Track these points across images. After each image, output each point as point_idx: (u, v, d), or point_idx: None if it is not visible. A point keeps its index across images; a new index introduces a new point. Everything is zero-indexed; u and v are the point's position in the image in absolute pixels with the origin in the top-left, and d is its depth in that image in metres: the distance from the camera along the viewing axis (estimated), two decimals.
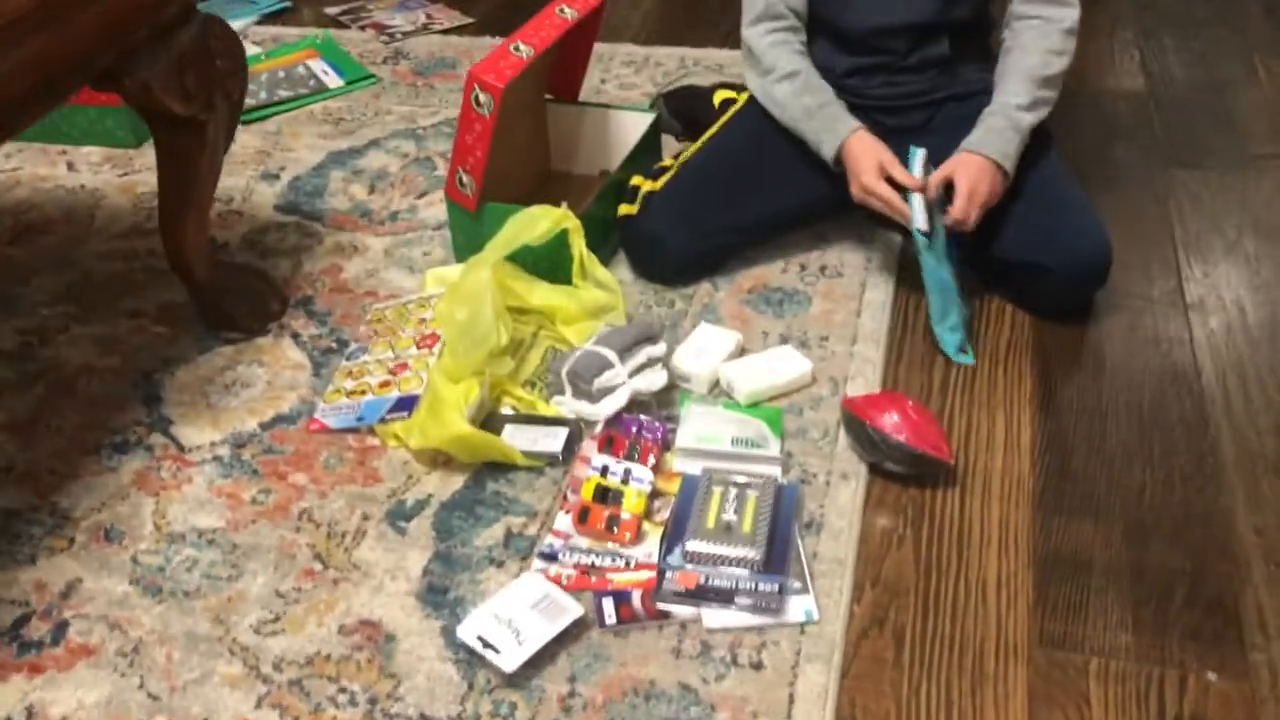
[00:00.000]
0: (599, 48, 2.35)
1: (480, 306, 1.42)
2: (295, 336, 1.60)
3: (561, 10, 1.67)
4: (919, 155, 1.56)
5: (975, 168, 1.52)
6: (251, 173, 1.99)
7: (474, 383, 1.39)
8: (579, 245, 1.55)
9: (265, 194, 1.93)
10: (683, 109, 1.99)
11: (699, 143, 1.70)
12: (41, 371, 1.55)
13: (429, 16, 2.54)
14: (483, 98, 1.51)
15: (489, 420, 1.40)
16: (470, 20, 2.53)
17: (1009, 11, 1.61)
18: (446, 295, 1.48)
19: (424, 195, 1.91)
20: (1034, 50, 1.57)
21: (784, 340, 1.54)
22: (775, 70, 1.64)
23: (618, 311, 1.53)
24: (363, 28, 2.50)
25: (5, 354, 1.59)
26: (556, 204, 1.53)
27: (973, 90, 1.65)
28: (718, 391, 1.46)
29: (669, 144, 1.98)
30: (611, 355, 1.38)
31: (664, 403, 1.44)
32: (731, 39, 2.37)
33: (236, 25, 2.50)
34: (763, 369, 1.45)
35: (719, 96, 1.94)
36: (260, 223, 1.86)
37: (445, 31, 2.48)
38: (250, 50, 2.36)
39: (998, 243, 1.57)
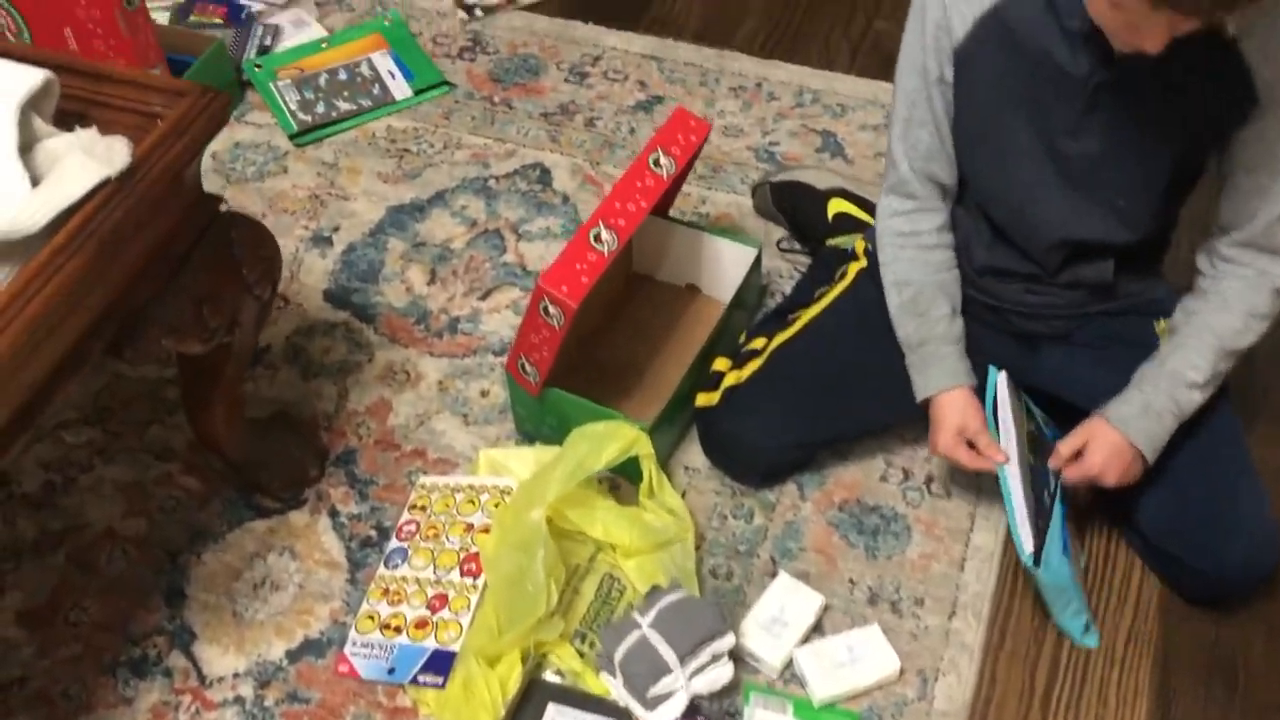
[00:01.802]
0: (703, 54, 2.05)
1: (530, 562, 1.26)
2: (333, 514, 1.45)
3: (656, 162, 1.40)
4: (1000, 382, 1.33)
5: (1113, 449, 1.28)
6: (302, 230, 1.78)
7: (515, 661, 1.25)
8: (649, 468, 1.36)
9: (315, 269, 1.73)
10: (790, 206, 1.72)
11: (793, 328, 1.44)
12: (63, 532, 1.44)
13: None
14: (552, 310, 1.28)
15: (530, 690, 1.27)
16: (557, 18, 2.19)
17: (1212, 247, 1.29)
18: (495, 533, 1.32)
19: (488, 295, 1.70)
20: (1236, 309, 1.27)
21: (873, 596, 1.37)
22: (889, 268, 1.38)
23: (686, 543, 1.36)
24: None
25: (28, 499, 1.47)
26: (639, 320, 1.33)
27: (1133, 305, 1.37)
28: (789, 674, 1.31)
29: (769, 231, 1.72)
30: (671, 658, 1.22)
31: (726, 688, 1.29)
32: (864, 63, 2.03)
33: None
34: (843, 662, 1.28)
35: (834, 207, 1.66)
36: (308, 318, 1.67)
37: (533, 8, 2.16)
38: (312, 34, 2.08)
39: (1137, 514, 1.35)
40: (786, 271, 1.71)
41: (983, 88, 1.26)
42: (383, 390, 1.59)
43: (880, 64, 2.04)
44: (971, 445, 1.33)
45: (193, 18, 2.09)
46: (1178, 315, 1.32)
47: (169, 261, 1.12)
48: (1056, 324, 1.40)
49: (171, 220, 1.10)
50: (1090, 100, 1.21)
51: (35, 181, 0.99)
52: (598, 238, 1.32)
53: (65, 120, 1.09)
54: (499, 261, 1.74)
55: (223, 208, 1.21)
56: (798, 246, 1.72)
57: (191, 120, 1.06)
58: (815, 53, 2.07)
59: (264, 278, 1.22)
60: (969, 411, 1.33)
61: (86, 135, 1.02)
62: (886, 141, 1.38)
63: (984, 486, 1.46)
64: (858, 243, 1.48)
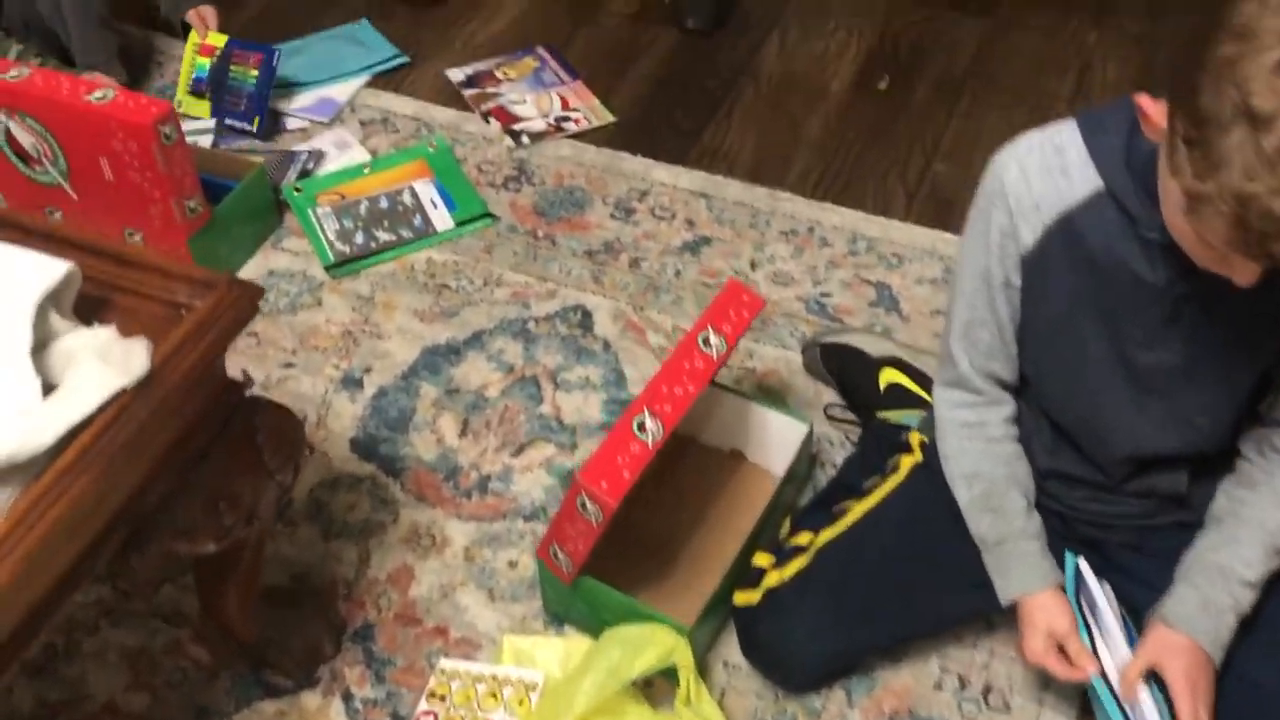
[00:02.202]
0: (753, 193, 1.98)
1: None
2: (348, 698, 1.36)
3: (705, 341, 1.33)
4: (1084, 570, 1.24)
5: (1188, 656, 1.17)
6: (333, 370, 1.72)
7: None
8: (687, 677, 1.27)
9: (344, 415, 1.66)
10: (840, 371, 1.64)
11: (841, 524, 1.35)
12: (62, 704, 1.36)
13: (564, 104, 2.16)
14: (590, 506, 1.20)
15: None
16: (611, 119, 2.14)
17: (1265, 437, 1.19)
18: None
19: (521, 451, 1.62)
20: None
21: None
22: (955, 460, 1.29)
23: None
24: (487, 116, 2.14)
25: (27, 665, 1.40)
26: (681, 486, 1.29)
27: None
28: None
29: (817, 392, 1.64)
30: None
31: None
32: (921, 209, 1.96)
33: (344, 87, 2.18)
34: None
35: (887, 377, 1.58)
36: (332, 469, 1.60)
37: (580, 135, 2.11)
38: (355, 157, 2.03)
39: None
40: (836, 439, 1.62)
41: (1052, 294, 1.18)
42: (406, 555, 1.51)
43: (938, 210, 1.97)
44: (1062, 650, 1.23)
45: (232, 68, 2.06)
46: (1221, 500, 1.22)
47: (185, 459, 1.05)
48: (1126, 533, 1.31)
49: (191, 418, 1.03)
50: (1170, 312, 1.13)
51: (48, 387, 0.93)
52: (641, 426, 1.24)
53: (86, 305, 1.03)
54: (535, 413, 1.67)
55: (249, 392, 1.15)
56: (848, 414, 1.63)
57: (218, 317, 0.99)
58: (870, 196, 2.00)
59: (287, 463, 1.15)
60: (1058, 614, 1.23)
61: (105, 335, 0.95)
62: (943, 335, 1.29)
63: (1047, 700, 1.36)
64: (912, 435, 1.39)
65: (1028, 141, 1.16)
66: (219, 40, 2.07)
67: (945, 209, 1.97)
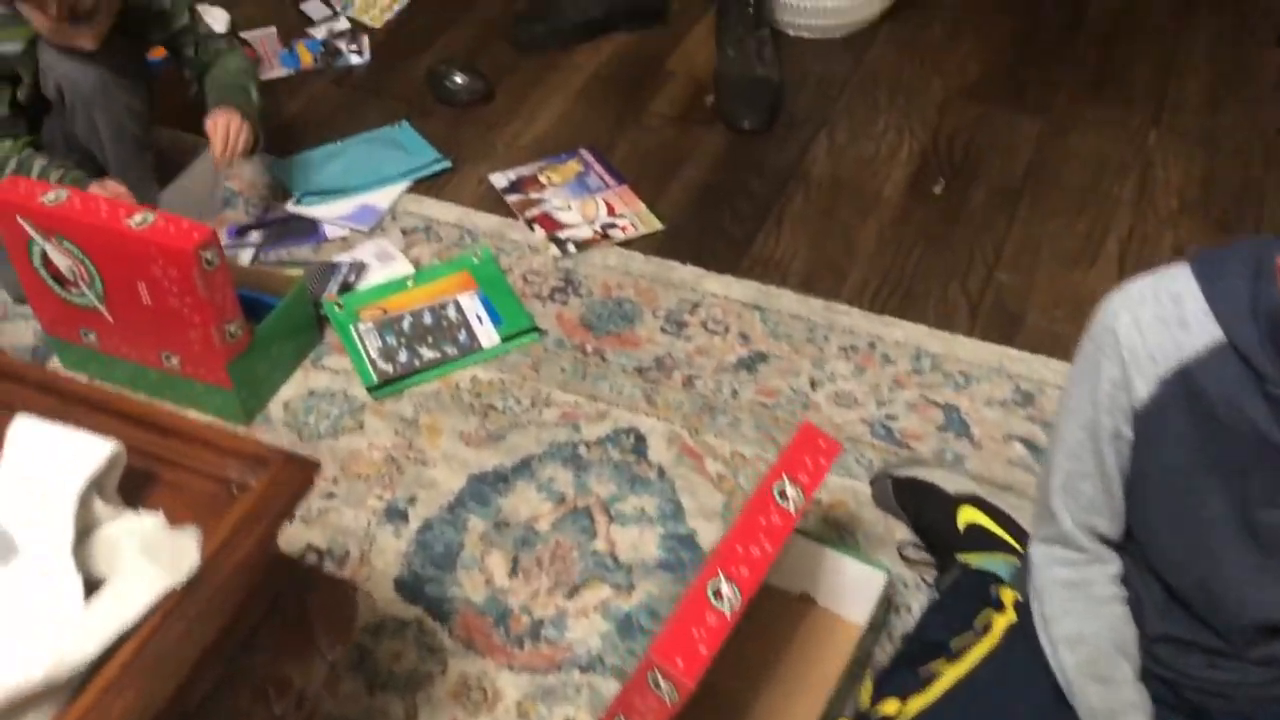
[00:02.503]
0: (809, 305, 1.90)
1: None
2: None
3: (781, 494, 1.24)
4: None
5: None
6: (376, 501, 1.64)
7: None
8: None
9: (388, 551, 1.58)
10: (914, 507, 1.55)
11: (932, 692, 1.23)
12: None
13: (610, 210, 2.10)
14: (664, 684, 1.11)
15: None
16: (658, 225, 2.08)
17: None
18: None
19: (575, 593, 1.53)
20: None
21: None
22: (1057, 623, 1.19)
23: None
24: (531, 223, 2.08)
25: None
26: (748, 631, 1.16)
27: None
28: None
29: (889, 527, 1.55)
30: None
31: None
32: (986, 322, 1.88)
33: (385, 193, 2.12)
34: None
35: (965, 517, 1.49)
36: (377, 612, 1.51)
37: (627, 243, 2.05)
38: (397, 269, 1.97)
39: None
40: (911, 580, 1.53)
41: (1168, 449, 1.09)
42: (455, 711, 1.41)
43: (1004, 324, 1.89)
44: None
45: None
46: None
47: (232, 645, 0.97)
48: (1240, 702, 1.20)
49: (240, 602, 0.95)
50: None
51: (90, 581, 0.85)
52: (717, 593, 1.15)
53: (131, 479, 0.96)
54: (588, 549, 1.58)
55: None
56: (924, 554, 1.54)
57: (273, 499, 0.92)
58: (931, 308, 1.92)
59: (339, 642, 1.07)
60: None
61: (151, 526, 0.88)
62: (1040, 488, 1.20)
63: None
64: (1004, 591, 1.30)
65: (1140, 289, 1.08)
66: None
67: (1011, 323, 1.89)
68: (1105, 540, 1.18)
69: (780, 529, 1.22)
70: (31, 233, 1.62)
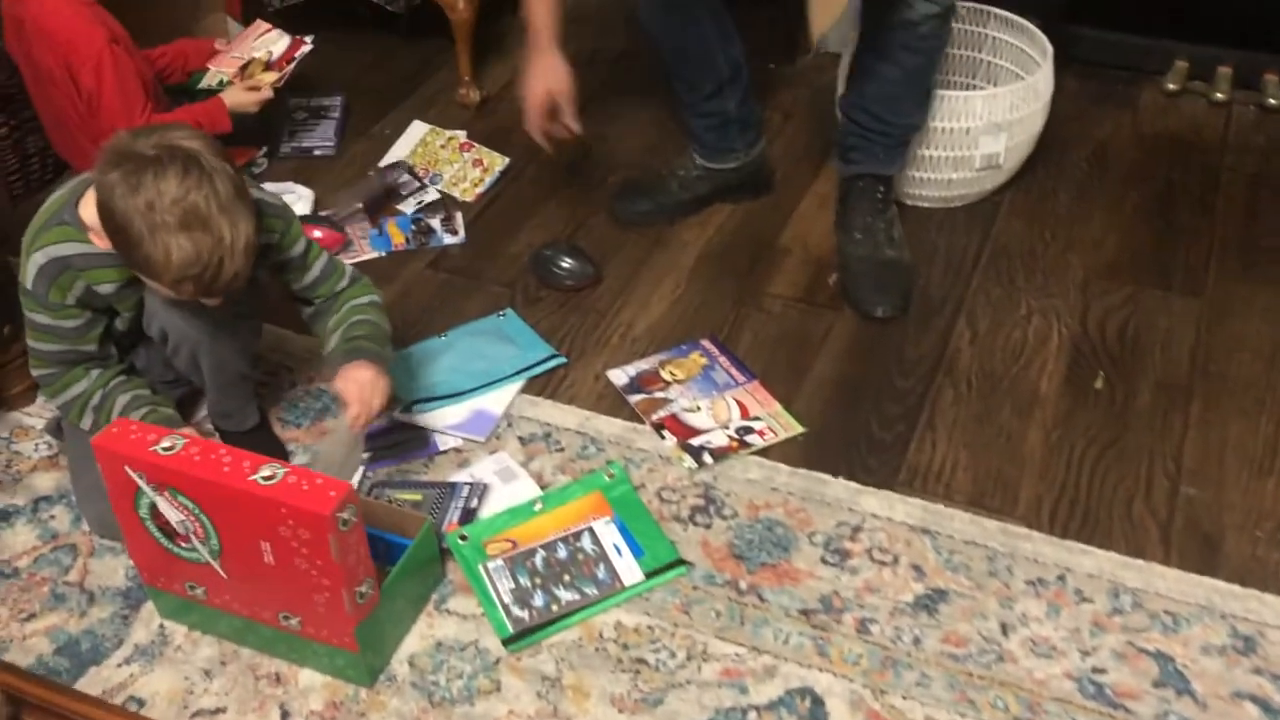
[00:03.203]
0: (984, 528, 1.67)
1: None
2: None
3: None
4: None
5: None
6: None
7: None
8: None
9: None
10: None
11: None
12: None
13: (744, 412, 1.92)
14: None
15: None
16: (799, 429, 1.89)
17: None
18: None
19: None
20: None
21: None
22: None
23: None
24: (659, 428, 1.90)
25: None
26: None
27: None
28: None
29: None
30: None
31: None
32: (1181, 547, 1.67)
33: (498, 396, 1.96)
34: None
35: None
36: None
37: (767, 451, 1.87)
38: (521, 489, 1.78)
39: None
40: None
41: None
42: None
43: (1201, 549, 1.69)
44: None
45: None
46: None
47: None
48: None
49: None
50: None
51: None
52: None
53: None
54: None
55: None
56: None
57: None
58: (1117, 529, 1.73)
59: None
60: None
61: None
62: None
63: None
64: None
65: None
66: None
67: (1208, 546, 1.70)
68: None
69: None
70: (141, 484, 1.44)
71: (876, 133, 2.15)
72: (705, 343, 2.08)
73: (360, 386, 1.63)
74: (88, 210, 1.54)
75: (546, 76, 2.02)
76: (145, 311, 1.64)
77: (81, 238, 1.56)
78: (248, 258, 1.47)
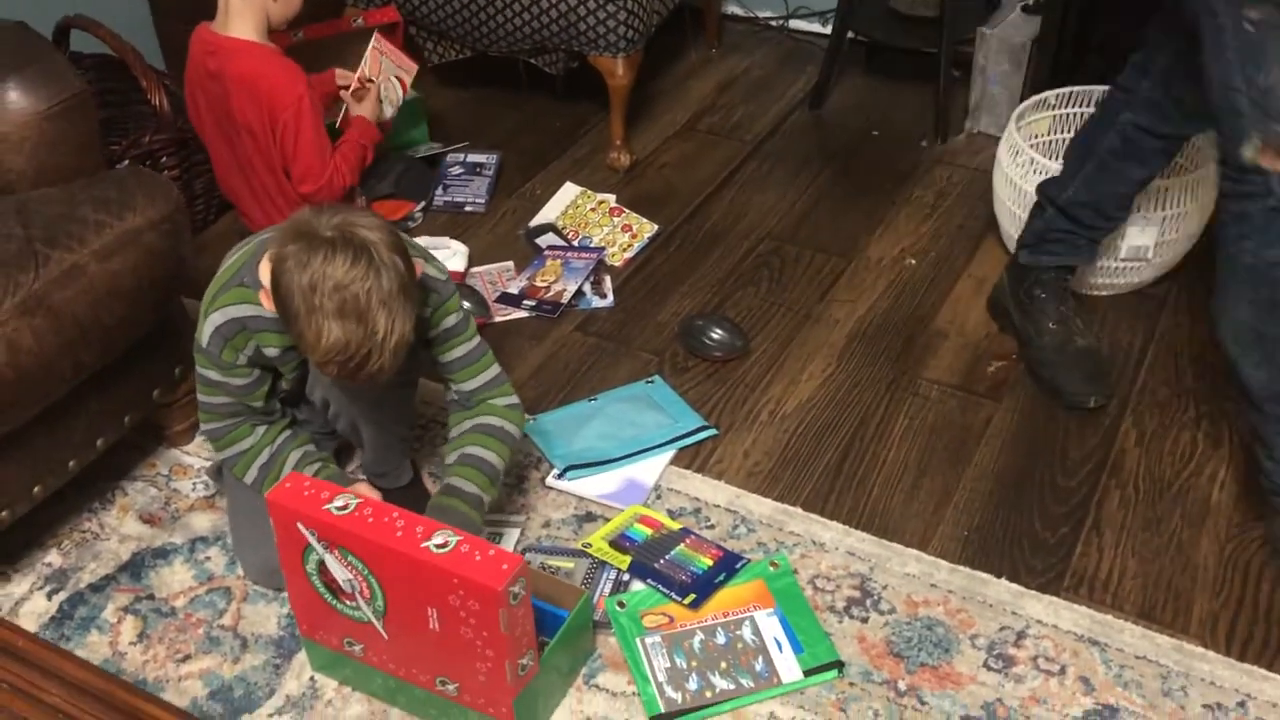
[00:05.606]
0: (1156, 643, 1.61)
1: None
2: None
3: None
4: None
5: None
6: None
7: None
8: None
9: None
10: None
11: None
12: None
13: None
14: None
15: None
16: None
17: None
18: None
19: None
20: None
21: None
22: None
23: None
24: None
25: None
26: None
27: None
28: None
29: None
30: None
31: None
32: None
33: (648, 466, 1.94)
34: None
35: None
36: None
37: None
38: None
39: None
40: None
41: None
42: None
43: None
44: None
45: (683, 548, 1.80)
46: None
47: None
48: None
49: None
50: None
51: None
52: None
53: None
54: None
55: None
56: None
57: None
58: None
59: None
60: None
61: None
62: None
63: None
64: None
65: None
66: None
67: None
68: None
69: None
70: (312, 541, 1.44)
71: (1088, 227, 2.09)
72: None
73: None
74: (264, 273, 1.55)
75: None
76: (310, 378, 1.66)
77: (255, 300, 1.57)
78: (397, 356, 1.44)
